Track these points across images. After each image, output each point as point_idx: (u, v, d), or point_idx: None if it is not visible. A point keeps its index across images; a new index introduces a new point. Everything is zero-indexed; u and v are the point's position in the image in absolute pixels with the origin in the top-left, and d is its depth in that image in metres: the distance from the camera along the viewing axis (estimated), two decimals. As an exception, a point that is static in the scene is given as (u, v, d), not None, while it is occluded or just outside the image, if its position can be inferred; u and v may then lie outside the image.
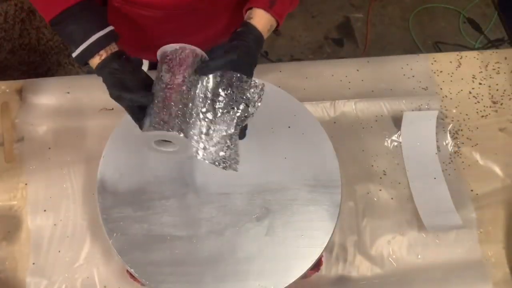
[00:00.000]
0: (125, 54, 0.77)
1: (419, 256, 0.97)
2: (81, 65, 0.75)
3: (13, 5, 2.08)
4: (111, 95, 0.76)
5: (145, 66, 1.07)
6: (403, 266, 0.96)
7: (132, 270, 0.83)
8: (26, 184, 0.98)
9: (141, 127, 0.76)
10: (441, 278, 0.95)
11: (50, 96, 1.07)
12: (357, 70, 1.15)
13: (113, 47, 0.76)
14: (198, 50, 0.79)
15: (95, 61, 0.76)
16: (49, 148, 1.01)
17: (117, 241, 0.84)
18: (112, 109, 1.05)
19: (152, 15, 0.84)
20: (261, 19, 0.82)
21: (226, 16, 0.92)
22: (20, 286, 0.90)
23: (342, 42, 2.20)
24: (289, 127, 0.97)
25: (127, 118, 0.95)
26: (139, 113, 0.76)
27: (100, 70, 0.76)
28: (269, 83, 1.02)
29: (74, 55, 0.76)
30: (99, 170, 0.90)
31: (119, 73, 0.75)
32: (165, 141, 0.77)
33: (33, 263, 0.92)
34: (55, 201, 0.96)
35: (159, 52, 0.79)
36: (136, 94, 0.75)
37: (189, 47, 0.79)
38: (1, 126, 1.03)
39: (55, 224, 0.95)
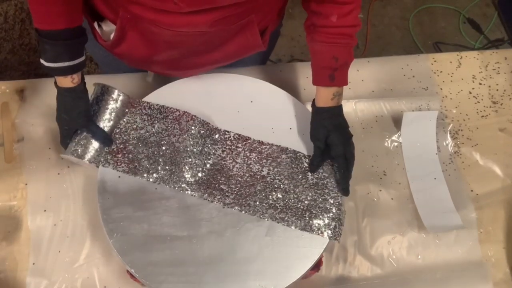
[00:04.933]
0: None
1: (419, 257, 0.97)
2: (43, 69, 0.87)
3: (13, 5, 2.08)
4: (68, 114, 0.89)
5: (149, 77, 1.07)
6: (403, 267, 0.96)
7: (132, 270, 0.83)
8: (26, 184, 0.98)
9: (65, 147, 0.93)
10: (441, 278, 0.95)
11: (50, 96, 1.05)
12: (357, 70, 1.15)
13: (78, 75, 0.87)
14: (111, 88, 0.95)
15: (60, 80, 0.87)
16: (49, 148, 1.01)
17: (117, 241, 0.84)
18: (112, 109, 1.05)
19: (160, 33, 0.84)
20: (322, 95, 0.91)
21: (235, 41, 0.91)
22: (20, 286, 0.90)
23: (342, 42, 2.20)
24: (290, 128, 0.97)
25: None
26: (68, 137, 0.91)
27: (69, 90, 0.87)
28: (269, 83, 1.03)
29: (41, 61, 0.85)
30: (99, 170, 0.90)
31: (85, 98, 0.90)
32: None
33: (33, 263, 0.92)
34: (55, 201, 0.96)
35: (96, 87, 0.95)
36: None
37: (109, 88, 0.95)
38: (1, 126, 1.03)
39: (55, 224, 0.95)
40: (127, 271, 0.86)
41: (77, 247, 0.93)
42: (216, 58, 0.96)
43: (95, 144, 0.92)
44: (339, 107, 0.92)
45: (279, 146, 0.94)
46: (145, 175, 0.90)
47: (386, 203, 1.01)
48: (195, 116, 0.94)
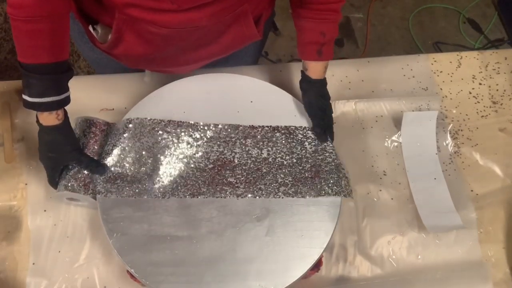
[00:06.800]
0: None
1: (419, 257, 0.97)
2: (25, 106, 0.83)
3: (13, 5, 2.08)
4: (53, 152, 0.86)
5: (147, 77, 1.07)
6: (403, 267, 0.96)
7: (132, 270, 0.83)
8: (26, 184, 0.98)
9: (55, 187, 0.90)
10: (441, 278, 0.95)
11: (50, 96, 1.06)
12: (357, 70, 1.15)
13: (62, 111, 0.84)
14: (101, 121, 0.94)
15: (44, 117, 0.83)
16: (49, 148, 1.01)
17: (117, 241, 0.84)
18: (113, 109, 1.05)
19: (158, 32, 0.84)
20: (316, 69, 0.95)
21: (231, 32, 0.92)
22: (20, 286, 0.90)
23: (342, 42, 2.20)
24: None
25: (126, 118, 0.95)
26: (56, 175, 0.88)
27: (52, 128, 0.84)
28: (269, 83, 1.03)
29: (24, 97, 0.80)
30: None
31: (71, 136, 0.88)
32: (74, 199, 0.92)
33: (33, 263, 0.92)
34: (55, 201, 0.96)
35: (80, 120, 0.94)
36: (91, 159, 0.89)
37: (96, 120, 0.94)
38: (1, 126, 1.03)
39: (55, 224, 0.95)
40: (127, 271, 0.86)
41: (77, 247, 0.93)
42: (213, 51, 0.96)
43: (88, 176, 0.89)
44: (325, 79, 0.98)
45: (270, 126, 0.96)
46: (152, 193, 0.88)
47: (386, 203, 1.01)
48: (181, 121, 0.94)
